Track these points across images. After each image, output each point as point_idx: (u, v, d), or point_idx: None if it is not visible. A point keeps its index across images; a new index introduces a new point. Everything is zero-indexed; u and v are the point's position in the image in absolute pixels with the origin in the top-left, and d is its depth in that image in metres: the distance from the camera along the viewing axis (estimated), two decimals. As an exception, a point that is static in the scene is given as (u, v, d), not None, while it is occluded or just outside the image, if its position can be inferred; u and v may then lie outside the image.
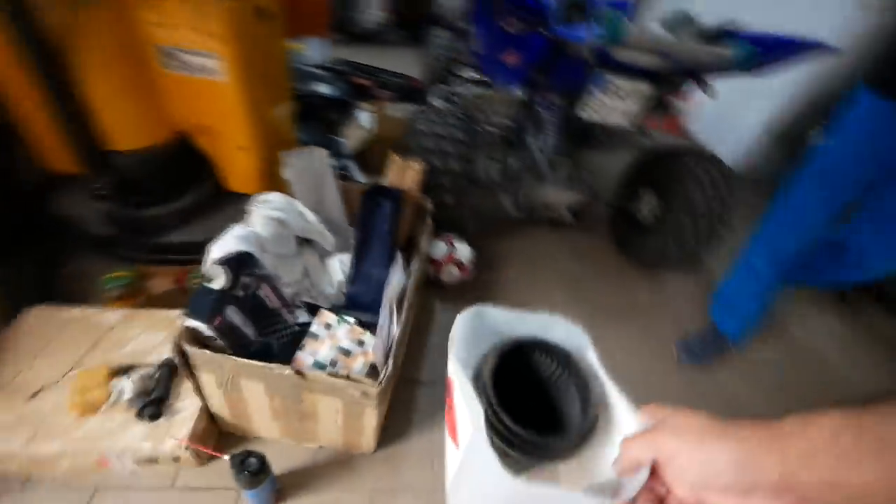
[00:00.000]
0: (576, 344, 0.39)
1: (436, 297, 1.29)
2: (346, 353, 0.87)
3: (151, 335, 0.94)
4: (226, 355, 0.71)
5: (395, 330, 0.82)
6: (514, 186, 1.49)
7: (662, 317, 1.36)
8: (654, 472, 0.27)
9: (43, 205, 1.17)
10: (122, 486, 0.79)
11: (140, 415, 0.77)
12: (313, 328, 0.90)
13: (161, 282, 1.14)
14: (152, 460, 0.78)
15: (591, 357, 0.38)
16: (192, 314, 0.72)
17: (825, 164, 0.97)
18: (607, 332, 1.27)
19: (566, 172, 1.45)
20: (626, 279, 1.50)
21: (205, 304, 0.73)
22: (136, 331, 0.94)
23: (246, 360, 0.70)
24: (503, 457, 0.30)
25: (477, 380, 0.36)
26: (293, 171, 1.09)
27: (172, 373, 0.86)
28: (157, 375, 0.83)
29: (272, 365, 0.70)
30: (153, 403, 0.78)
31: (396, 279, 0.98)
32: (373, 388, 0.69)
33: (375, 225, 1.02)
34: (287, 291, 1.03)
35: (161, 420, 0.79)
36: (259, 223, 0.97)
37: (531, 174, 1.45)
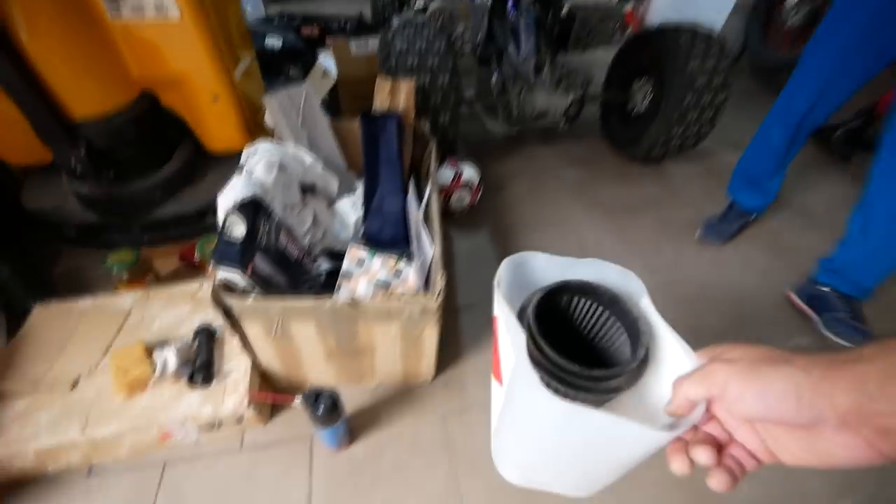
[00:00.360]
0: (628, 288, 0.36)
1: (450, 228, 1.26)
2: (386, 285, 0.84)
3: (175, 310, 0.89)
4: (271, 298, 0.67)
5: (433, 248, 0.79)
6: (503, 98, 1.43)
7: (675, 205, 1.37)
8: (712, 416, 0.26)
9: (18, 204, 1.05)
10: (189, 457, 0.77)
11: (192, 381, 0.74)
12: (346, 266, 0.86)
13: (166, 262, 1.07)
14: (215, 425, 0.76)
15: (644, 302, 0.35)
16: (223, 264, 0.67)
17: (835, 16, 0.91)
18: (626, 227, 1.29)
19: (552, 75, 1.39)
20: (630, 177, 1.50)
21: (232, 252, 0.68)
22: (156, 309, 0.89)
23: (294, 300, 0.67)
24: (550, 388, 0.28)
25: (521, 316, 0.34)
26: (276, 113, 1.00)
27: (211, 339, 0.82)
28: (196, 343, 0.79)
29: (323, 299, 0.67)
30: (202, 368, 0.75)
31: (415, 205, 0.94)
32: (432, 302, 0.67)
33: (381, 150, 0.96)
34: (304, 242, 0.98)
35: (213, 385, 0.76)
36: (259, 170, 0.89)
37: (518, 82, 1.39)
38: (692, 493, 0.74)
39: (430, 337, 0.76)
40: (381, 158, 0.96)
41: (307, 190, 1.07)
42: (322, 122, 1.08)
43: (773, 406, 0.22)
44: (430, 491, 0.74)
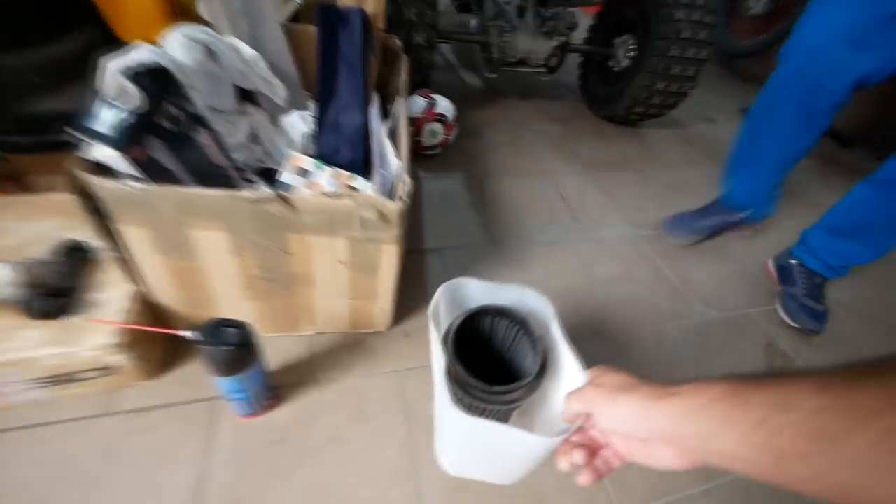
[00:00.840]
0: (542, 311, 0.44)
1: (419, 167, 1.09)
2: (334, 205, 0.65)
3: (36, 223, 0.63)
4: (162, 186, 0.46)
5: (397, 162, 0.61)
6: (484, 39, 1.29)
7: (656, 165, 1.31)
8: (591, 426, 0.35)
9: None
10: (26, 425, 0.53)
11: (30, 310, 0.50)
12: (284, 177, 0.66)
13: (45, 176, 0.80)
14: (66, 377, 0.52)
15: (553, 322, 0.42)
16: (95, 136, 0.45)
17: None
18: (608, 182, 1.19)
19: (536, 18, 1.27)
20: (609, 136, 1.42)
21: (112, 121, 0.46)
22: (9, 221, 0.63)
23: (195, 191, 0.46)
24: (463, 402, 0.38)
25: (445, 338, 0.40)
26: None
27: (80, 260, 0.58)
28: (54, 262, 0.56)
29: (239, 192, 0.46)
30: (49, 294, 0.52)
31: (379, 121, 0.76)
32: (393, 205, 0.49)
33: (342, 48, 0.76)
34: (234, 157, 0.77)
35: (67, 320, 0.53)
36: (176, 46, 0.66)
37: (499, 23, 1.25)
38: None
39: (388, 264, 0.57)
40: (341, 59, 0.77)
41: (246, 97, 0.85)
42: (270, 18, 0.86)
43: (619, 424, 0.30)
44: (375, 471, 0.56)
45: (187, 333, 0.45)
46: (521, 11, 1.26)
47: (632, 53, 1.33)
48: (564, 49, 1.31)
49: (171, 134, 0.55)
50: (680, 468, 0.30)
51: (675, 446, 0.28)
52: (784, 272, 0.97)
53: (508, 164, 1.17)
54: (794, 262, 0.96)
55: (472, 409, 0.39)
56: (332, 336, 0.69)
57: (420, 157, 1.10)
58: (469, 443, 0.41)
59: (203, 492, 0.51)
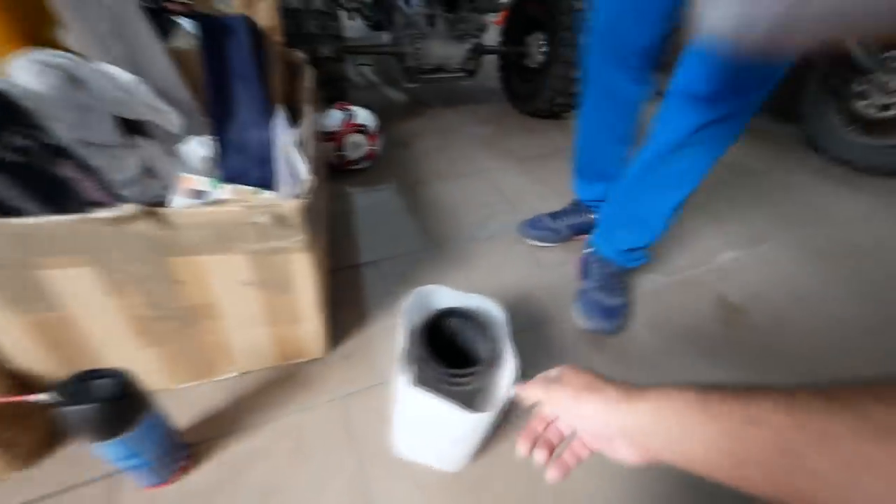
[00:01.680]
0: (494, 314, 0.52)
1: (345, 183, 1.03)
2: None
3: None
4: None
5: (304, 165, 0.56)
6: (399, 50, 1.29)
7: None
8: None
9: None
10: None
11: None
12: (176, 200, 0.59)
13: None
14: None
15: (503, 326, 0.50)
16: None
17: None
18: (541, 172, 1.20)
19: (446, 25, 1.29)
20: (537, 130, 1.45)
21: None
22: None
23: (42, 219, 0.38)
24: (424, 384, 0.43)
25: (413, 333, 0.46)
26: (75, 21, 0.70)
27: None
28: None
29: (92, 213, 0.39)
30: None
31: (286, 134, 0.70)
32: (289, 205, 0.43)
33: (231, 63, 0.71)
34: (122, 192, 0.68)
35: None
36: (25, 72, 0.58)
37: (411, 33, 1.26)
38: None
39: (303, 277, 0.51)
40: (233, 73, 0.71)
41: (135, 129, 0.77)
42: (148, 36, 0.79)
43: (586, 423, 0.32)
44: (325, 513, 0.48)
45: (40, 396, 0.36)
46: (430, 20, 1.28)
47: (543, 49, 1.38)
48: (479, 51, 1.34)
49: (16, 167, 0.47)
50: (642, 462, 0.31)
51: (638, 445, 0.30)
52: (584, 265, 0.84)
53: (441, 169, 1.15)
54: (589, 250, 0.84)
55: (432, 391, 0.44)
56: (260, 374, 0.60)
57: (347, 172, 1.05)
58: (418, 419, 0.46)
59: None
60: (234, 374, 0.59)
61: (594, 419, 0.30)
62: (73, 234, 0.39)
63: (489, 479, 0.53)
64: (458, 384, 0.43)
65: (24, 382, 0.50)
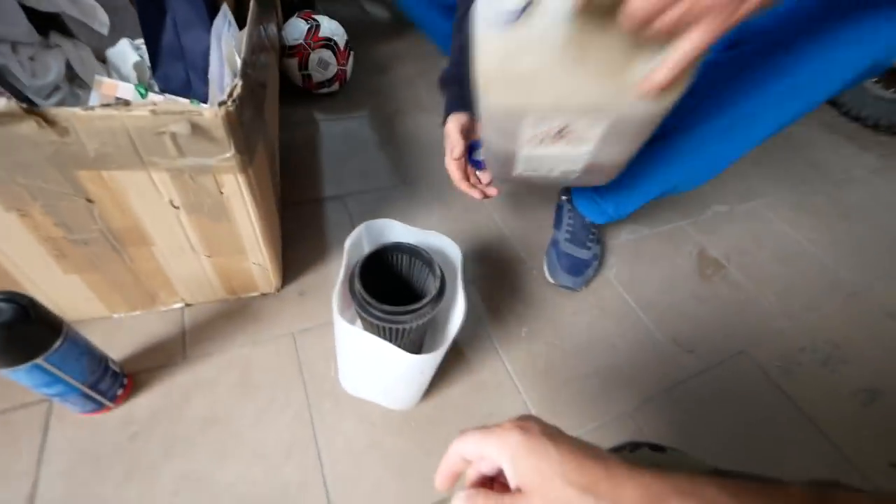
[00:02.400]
0: (450, 253, 0.49)
1: (313, 108, 0.94)
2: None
3: None
4: None
5: (239, 61, 0.48)
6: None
7: None
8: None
9: None
10: None
11: None
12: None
13: None
14: None
15: (457, 264, 0.48)
16: None
17: None
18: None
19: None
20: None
21: None
22: None
23: None
24: (364, 321, 0.42)
25: (355, 266, 0.42)
26: None
27: None
28: None
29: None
30: None
31: (228, 37, 0.60)
32: (211, 112, 0.37)
33: (160, -56, 0.59)
34: (44, 101, 0.60)
35: None
36: None
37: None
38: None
39: (239, 203, 0.46)
40: (164, -41, 0.60)
41: (55, 26, 0.66)
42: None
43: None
44: (267, 447, 0.47)
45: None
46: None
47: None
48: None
49: None
50: None
51: None
52: (557, 213, 0.78)
53: (423, 99, 1.05)
54: (564, 198, 0.77)
55: (372, 329, 0.42)
56: (208, 306, 0.57)
57: (314, 96, 0.95)
58: (356, 357, 0.44)
59: (35, 512, 0.41)
60: (179, 305, 0.56)
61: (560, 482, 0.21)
62: (-57, 135, 0.33)
63: (436, 421, 0.52)
64: (396, 322, 0.40)
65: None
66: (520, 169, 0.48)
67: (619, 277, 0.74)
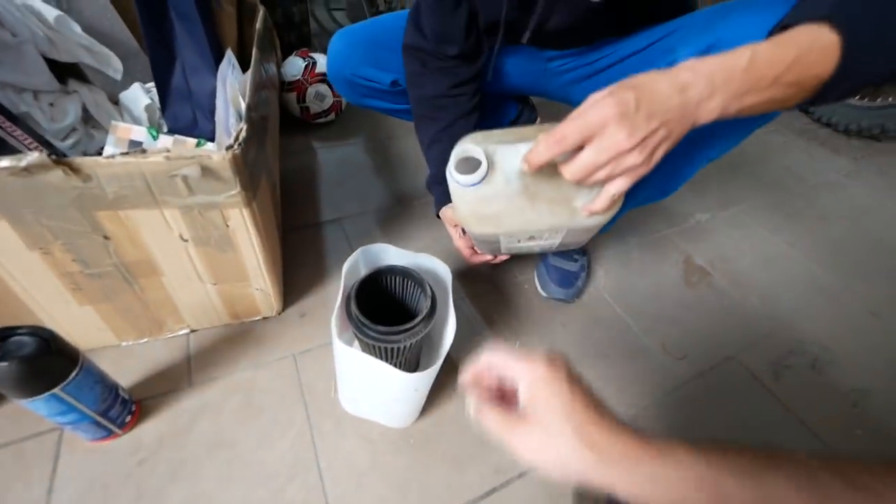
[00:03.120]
0: (441, 273, 0.52)
1: (311, 137, 0.99)
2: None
3: None
4: None
5: (244, 104, 0.52)
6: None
7: None
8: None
9: None
10: None
11: None
12: (107, 151, 0.55)
13: None
14: None
15: (447, 283, 0.51)
16: None
17: None
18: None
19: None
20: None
21: None
22: None
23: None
24: (361, 342, 0.45)
25: (351, 289, 0.45)
26: None
27: None
28: None
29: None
30: None
31: (232, 81, 0.65)
32: (219, 156, 0.41)
33: (168, 0, 0.64)
34: (60, 144, 0.64)
35: None
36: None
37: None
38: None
39: (244, 235, 0.49)
40: (172, 10, 0.65)
41: (70, 73, 0.71)
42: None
43: (568, 472, 0.25)
44: (270, 468, 0.49)
45: (-48, 352, 0.34)
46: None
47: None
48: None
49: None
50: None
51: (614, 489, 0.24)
52: None
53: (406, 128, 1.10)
54: None
55: (369, 350, 0.45)
56: (212, 331, 0.60)
57: (311, 126, 1.00)
58: (355, 377, 0.47)
59: (46, 539, 0.42)
60: (185, 331, 0.59)
61: (581, 472, 0.24)
62: (-24, 184, 0.36)
63: (435, 437, 0.54)
64: (390, 341, 0.42)
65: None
66: (505, 252, 0.60)
67: (607, 287, 0.77)
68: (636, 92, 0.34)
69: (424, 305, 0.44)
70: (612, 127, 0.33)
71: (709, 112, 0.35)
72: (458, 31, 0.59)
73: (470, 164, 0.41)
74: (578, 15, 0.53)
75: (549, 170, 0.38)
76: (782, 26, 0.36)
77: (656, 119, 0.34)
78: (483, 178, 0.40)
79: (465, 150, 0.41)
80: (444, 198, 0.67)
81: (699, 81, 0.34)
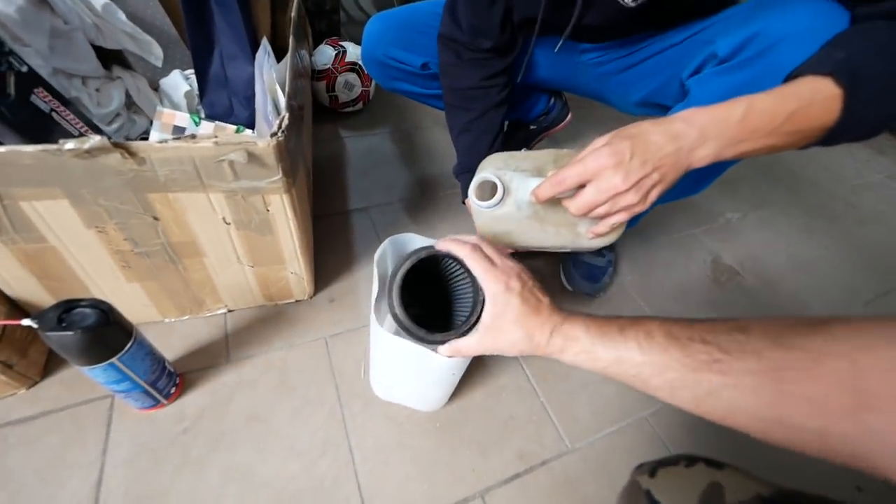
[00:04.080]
0: None
1: (338, 126, 1.00)
2: (221, 164, 0.57)
3: None
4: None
5: (283, 98, 0.53)
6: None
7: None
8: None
9: None
10: None
11: None
12: (153, 136, 0.58)
13: None
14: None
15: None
16: None
17: None
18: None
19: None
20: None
21: None
22: None
23: (4, 148, 0.37)
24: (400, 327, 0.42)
25: (393, 276, 0.42)
26: None
27: None
28: None
29: (59, 144, 0.38)
30: None
31: (269, 69, 0.66)
32: (264, 142, 0.42)
33: (210, -12, 0.66)
34: (108, 128, 0.67)
35: None
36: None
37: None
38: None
39: (283, 219, 0.51)
40: (214, 5, 0.67)
41: (117, 60, 0.74)
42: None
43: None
44: (302, 444, 0.51)
45: (23, 321, 0.37)
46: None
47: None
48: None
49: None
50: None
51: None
52: None
53: (439, 115, 1.09)
54: None
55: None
56: (247, 311, 0.63)
57: (339, 115, 1.01)
58: (395, 363, 0.47)
59: (104, 496, 0.45)
60: (223, 310, 0.61)
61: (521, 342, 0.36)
62: (41, 165, 0.38)
63: (461, 422, 0.56)
64: (434, 345, 0.40)
65: (24, 309, 0.52)
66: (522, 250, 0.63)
67: (633, 284, 0.77)
68: (632, 142, 0.36)
69: (474, 297, 0.39)
70: (608, 171, 0.37)
71: (702, 159, 0.37)
72: (494, 25, 0.59)
73: (488, 188, 0.46)
74: (610, 16, 0.53)
75: (555, 202, 0.43)
76: (789, 76, 0.38)
77: (650, 164, 0.37)
78: (498, 203, 0.45)
79: (485, 177, 0.46)
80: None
81: (692, 132, 0.36)
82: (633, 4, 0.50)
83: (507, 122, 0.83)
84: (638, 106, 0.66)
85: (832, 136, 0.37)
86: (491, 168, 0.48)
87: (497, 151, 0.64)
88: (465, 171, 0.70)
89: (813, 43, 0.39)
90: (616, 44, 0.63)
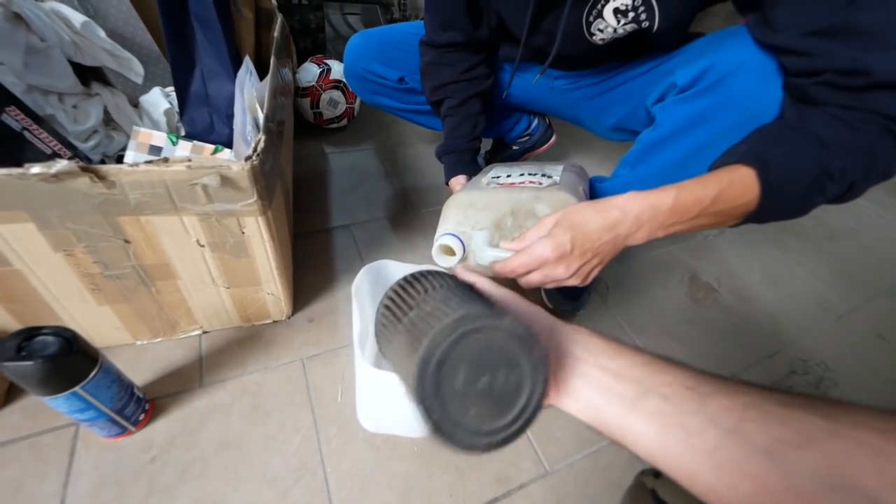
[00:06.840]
0: None
1: (322, 142, 1.00)
2: (199, 184, 0.56)
3: None
4: None
5: (261, 115, 0.53)
6: None
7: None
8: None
9: None
10: None
11: None
12: (129, 158, 0.57)
13: None
14: None
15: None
16: None
17: None
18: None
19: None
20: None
21: None
22: None
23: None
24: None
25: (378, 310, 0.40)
26: None
27: None
28: None
29: (26, 168, 0.37)
30: None
31: (250, 87, 0.67)
32: (238, 167, 0.42)
33: (189, 6, 0.66)
34: (83, 145, 0.65)
35: None
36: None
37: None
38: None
39: (259, 242, 0.50)
40: (193, 17, 0.66)
41: (92, 75, 0.73)
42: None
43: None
44: (276, 471, 0.50)
45: (-19, 351, 0.36)
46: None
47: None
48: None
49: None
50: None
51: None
52: None
53: (422, 132, 1.11)
54: None
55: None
56: (223, 333, 0.61)
57: (324, 131, 1.01)
58: (384, 397, 0.47)
59: (61, 532, 0.43)
60: (197, 332, 0.60)
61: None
62: (6, 188, 0.37)
63: (437, 446, 0.55)
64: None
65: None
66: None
67: (612, 301, 0.78)
68: (572, 233, 0.41)
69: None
70: (551, 264, 0.42)
71: (637, 240, 0.42)
72: (460, 17, 0.62)
73: (449, 250, 0.49)
74: (581, 51, 0.58)
75: None
76: (710, 168, 0.43)
77: (590, 253, 0.42)
78: (458, 262, 0.49)
79: (444, 241, 0.49)
80: (452, 169, 0.72)
81: (627, 220, 0.41)
82: (600, 43, 0.54)
83: (489, 125, 0.84)
84: (612, 131, 0.68)
85: (760, 211, 0.41)
86: (452, 223, 0.51)
87: (478, 138, 0.73)
88: (447, 153, 0.74)
89: (764, 73, 0.42)
90: (586, 73, 0.66)
